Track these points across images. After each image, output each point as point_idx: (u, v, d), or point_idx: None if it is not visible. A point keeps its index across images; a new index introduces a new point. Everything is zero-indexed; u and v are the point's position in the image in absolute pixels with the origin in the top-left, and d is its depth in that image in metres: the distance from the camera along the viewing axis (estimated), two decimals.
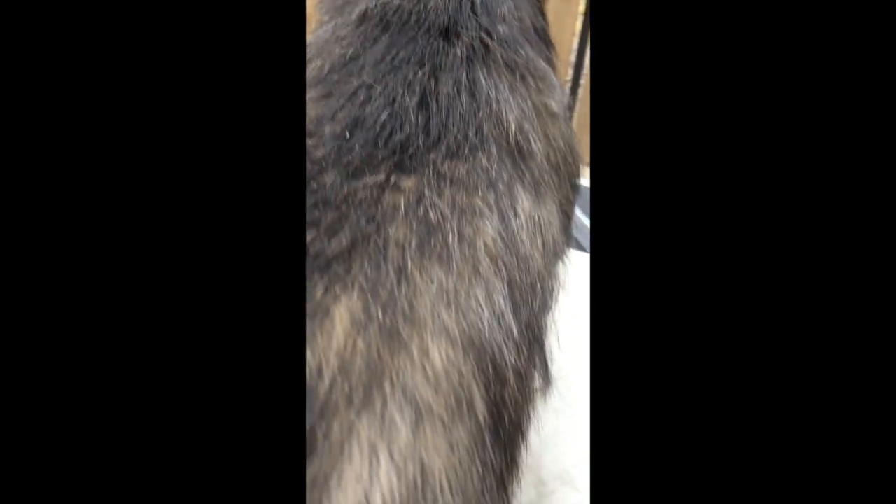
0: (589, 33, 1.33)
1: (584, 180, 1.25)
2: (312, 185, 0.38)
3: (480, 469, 0.33)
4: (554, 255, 0.52)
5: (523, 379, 0.39)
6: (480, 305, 0.37)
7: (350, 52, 0.49)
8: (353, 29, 0.50)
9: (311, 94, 0.47)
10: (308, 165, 0.40)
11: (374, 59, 0.47)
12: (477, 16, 0.52)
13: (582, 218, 1.14)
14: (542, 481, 0.77)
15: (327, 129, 0.43)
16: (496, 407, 0.36)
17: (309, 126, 0.44)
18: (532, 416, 0.43)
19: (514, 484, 0.40)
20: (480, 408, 0.34)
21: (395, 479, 0.28)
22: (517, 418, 0.38)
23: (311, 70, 0.49)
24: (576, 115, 1.42)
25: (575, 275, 1.02)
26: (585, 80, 1.61)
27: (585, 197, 1.16)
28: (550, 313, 0.54)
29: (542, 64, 0.55)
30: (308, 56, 0.51)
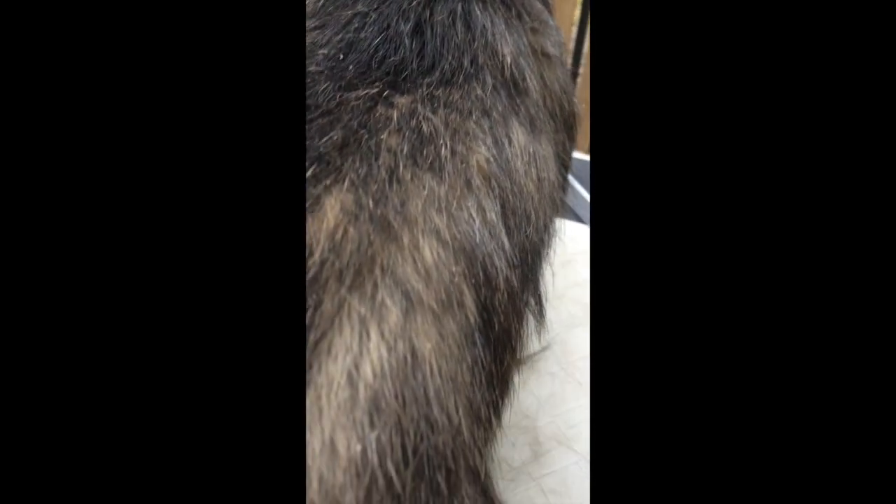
0: (587, 22, 1.34)
1: (584, 155, 1.25)
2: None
3: (470, 363, 0.32)
4: (550, 199, 0.52)
5: (514, 291, 0.38)
6: (472, 216, 0.37)
7: None
8: None
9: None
10: None
11: None
12: None
13: (581, 191, 1.14)
14: (537, 441, 0.77)
15: (321, 53, 0.43)
16: (486, 311, 0.35)
17: None
18: (524, 337, 0.43)
19: (505, 399, 0.40)
20: (471, 307, 0.34)
21: (385, 353, 0.28)
22: (507, 326, 0.37)
23: (306, 5, 0.49)
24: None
25: (574, 246, 1.02)
26: (584, 70, 1.61)
27: (585, 171, 1.16)
28: (546, 259, 0.54)
29: (538, 4, 0.55)
30: None
